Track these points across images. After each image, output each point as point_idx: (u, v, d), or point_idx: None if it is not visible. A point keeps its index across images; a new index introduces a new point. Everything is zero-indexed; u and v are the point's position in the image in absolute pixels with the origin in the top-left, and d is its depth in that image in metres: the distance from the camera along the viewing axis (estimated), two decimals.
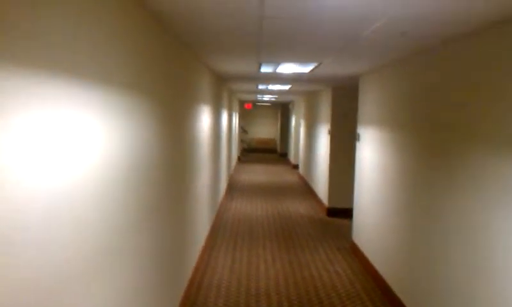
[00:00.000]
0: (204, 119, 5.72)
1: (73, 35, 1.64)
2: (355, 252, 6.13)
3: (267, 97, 15.04)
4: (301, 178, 13.52)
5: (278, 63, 5.36)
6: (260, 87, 9.78)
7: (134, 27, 2.45)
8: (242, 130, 21.69)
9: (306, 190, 11.63)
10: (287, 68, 5.71)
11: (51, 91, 1.47)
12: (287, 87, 9.47)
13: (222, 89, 8.80)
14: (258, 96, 14.41)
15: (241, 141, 21.05)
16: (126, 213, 2.35)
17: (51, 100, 1.48)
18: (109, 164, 2.06)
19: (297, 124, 16.51)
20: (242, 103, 20.71)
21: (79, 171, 1.72)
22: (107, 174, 2.04)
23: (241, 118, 21.75)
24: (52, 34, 1.48)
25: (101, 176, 1.96)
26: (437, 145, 3.58)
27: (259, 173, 14.73)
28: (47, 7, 1.44)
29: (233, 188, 11.52)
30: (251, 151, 22.79)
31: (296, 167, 16.42)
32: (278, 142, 22.49)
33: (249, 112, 23.30)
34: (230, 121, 11.81)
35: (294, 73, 6.40)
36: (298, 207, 9.41)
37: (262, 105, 23.18)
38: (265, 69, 5.90)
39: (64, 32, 1.57)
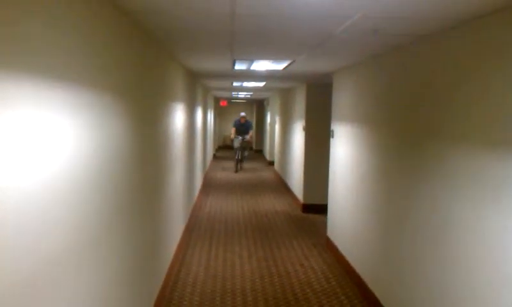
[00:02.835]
0: (178, 116, 5.68)
1: (38, 34, 1.61)
2: (330, 248, 6.19)
3: (242, 94, 15.02)
4: (277, 174, 13.56)
5: (251, 60, 5.35)
6: (235, 84, 9.77)
7: (104, 25, 2.41)
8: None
9: (282, 186, 11.67)
10: (261, 65, 5.72)
11: (19, 92, 1.44)
12: (261, 84, 9.48)
13: (196, 87, 8.76)
14: (233, 93, 14.39)
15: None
16: (98, 212, 2.31)
17: (19, 101, 1.44)
18: (79, 163, 2.03)
19: (273, 121, 16.55)
20: (217, 100, 20.64)
21: (49, 171, 1.68)
22: (78, 174, 2.01)
23: (217, 115, 21.65)
24: (16, 34, 1.44)
25: (72, 176, 1.93)
26: (410, 141, 3.63)
27: (235, 170, 14.71)
28: (11, 9, 1.41)
29: (208, 185, 11.48)
30: (226, 148, 22.74)
31: (271, 163, 16.46)
32: (254, 138, 22.51)
33: (224, 109, 23.25)
34: (204, 118, 11.75)
35: (268, 70, 6.40)
36: (274, 203, 9.44)
37: (237, 102, 23.16)
38: (239, 66, 5.89)
39: (29, 31, 1.53)
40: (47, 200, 1.68)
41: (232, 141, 15.06)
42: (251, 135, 15.36)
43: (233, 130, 15.05)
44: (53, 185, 1.74)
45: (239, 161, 14.81)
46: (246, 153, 15.56)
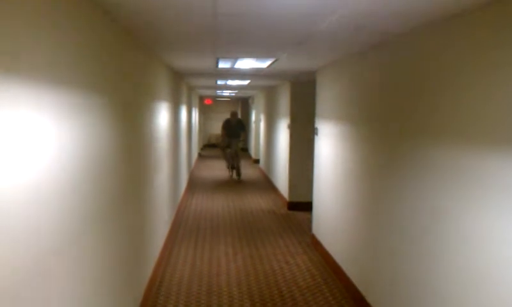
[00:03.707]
0: (162, 115, 5.66)
1: (18, 32, 1.59)
2: (315, 245, 6.22)
3: (226, 92, 15.01)
4: (262, 172, 13.57)
5: (235, 59, 5.35)
6: (219, 82, 9.75)
7: (86, 24, 2.39)
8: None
9: (267, 184, 11.68)
10: (245, 63, 5.72)
11: None
12: (245, 82, 9.48)
13: (180, 85, 8.72)
14: (218, 91, 14.37)
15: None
16: (81, 213, 2.30)
17: None
18: (62, 165, 2.02)
19: (258, 119, 16.55)
20: (202, 98, 20.59)
21: (30, 173, 1.67)
22: (60, 175, 1.99)
23: (202, 113, 21.58)
24: None
25: (54, 177, 1.92)
26: (395, 138, 3.67)
27: (220, 169, 14.67)
28: None
29: (194, 184, 11.45)
30: (211, 147, 22.70)
31: (256, 161, 16.47)
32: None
33: (209, 107, 23.19)
34: (189, 117, 11.71)
35: (251, 69, 6.41)
36: (259, 202, 9.45)
37: (222, 100, 23.11)
38: (223, 65, 5.88)
39: (8, 30, 1.52)
40: (28, 203, 1.66)
41: (223, 147, 12.47)
42: (243, 138, 12.74)
43: (223, 133, 12.28)
44: (35, 188, 1.72)
45: (234, 168, 12.37)
46: (240, 170, 12.43)
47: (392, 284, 3.62)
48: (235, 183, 11.76)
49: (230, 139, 12.13)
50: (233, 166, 12.29)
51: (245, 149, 21.30)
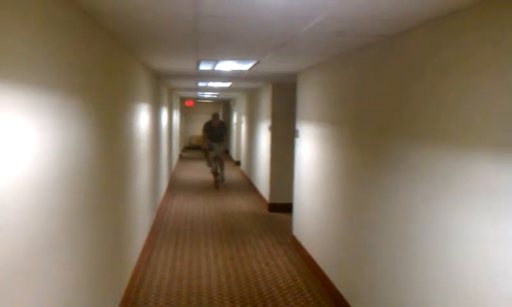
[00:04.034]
0: (142, 117, 5.63)
1: None
2: (296, 246, 6.25)
3: (208, 94, 14.98)
4: (243, 174, 13.57)
5: (216, 61, 5.36)
6: (200, 84, 9.74)
7: (67, 26, 2.38)
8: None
9: (248, 186, 11.69)
10: (226, 65, 5.73)
11: None
12: (227, 84, 9.48)
13: (161, 87, 8.69)
14: (199, 93, 14.34)
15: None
16: (59, 215, 2.28)
17: None
18: (41, 166, 2.00)
19: (239, 121, 16.56)
20: (183, 100, 20.51)
21: (9, 174, 1.66)
22: (39, 176, 1.98)
23: (183, 115, 21.49)
24: None
25: (33, 178, 1.90)
26: (373, 140, 3.71)
27: (200, 171, 14.63)
28: None
29: (174, 186, 11.39)
30: (193, 148, 22.61)
31: (238, 163, 16.47)
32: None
33: (190, 109, 23.11)
34: (170, 119, 11.66)
35: (233, 71, 6.42)
36: (240, 204, 9.45)
37: (203, 102, 23.05)
38: (204, 66, 5.88)
39: None
40: (8, 205, 1.65)
41: (205, 150, 11.51)
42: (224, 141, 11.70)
43: (204, 136, 11.37)
44: (13, 188, 1.71)
45: (217, 174, 11.47)
46: (224, 175, 11.80)
47: (373, 286, 3.66)
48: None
49: (212, 143, 11.26)
50: (217, 172, 11.45)
51: (226, 151, 21.28)
